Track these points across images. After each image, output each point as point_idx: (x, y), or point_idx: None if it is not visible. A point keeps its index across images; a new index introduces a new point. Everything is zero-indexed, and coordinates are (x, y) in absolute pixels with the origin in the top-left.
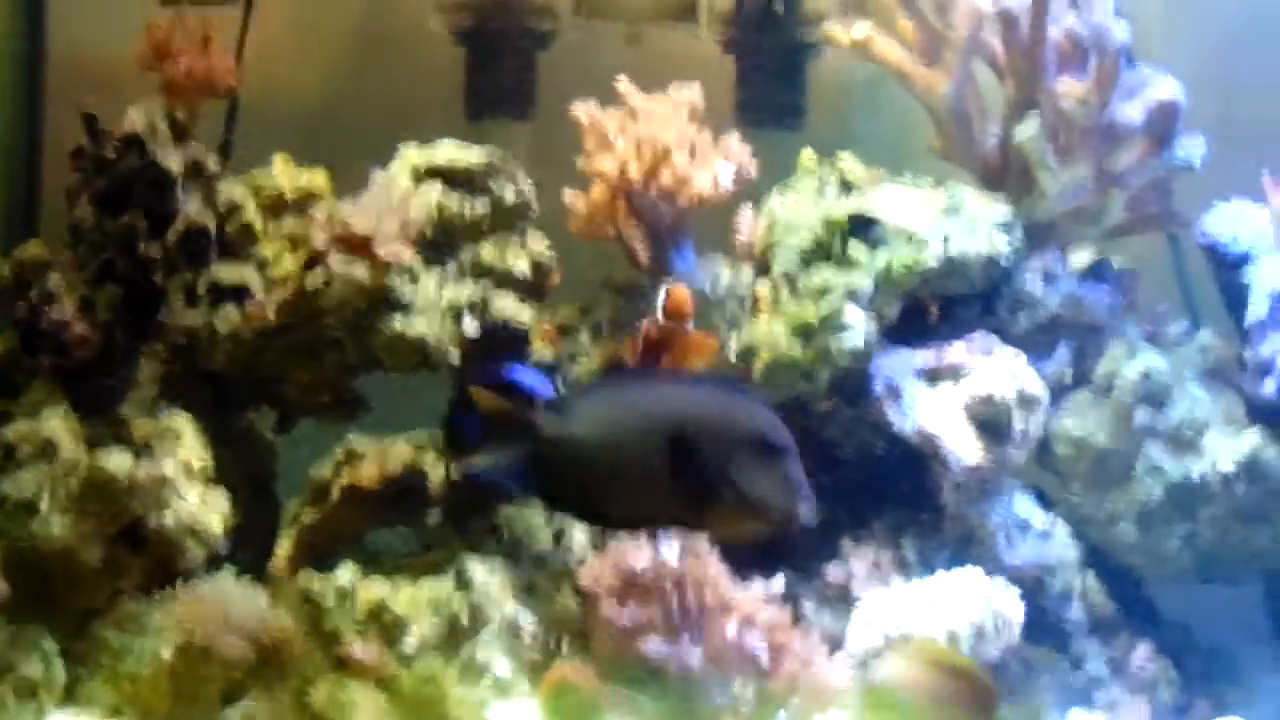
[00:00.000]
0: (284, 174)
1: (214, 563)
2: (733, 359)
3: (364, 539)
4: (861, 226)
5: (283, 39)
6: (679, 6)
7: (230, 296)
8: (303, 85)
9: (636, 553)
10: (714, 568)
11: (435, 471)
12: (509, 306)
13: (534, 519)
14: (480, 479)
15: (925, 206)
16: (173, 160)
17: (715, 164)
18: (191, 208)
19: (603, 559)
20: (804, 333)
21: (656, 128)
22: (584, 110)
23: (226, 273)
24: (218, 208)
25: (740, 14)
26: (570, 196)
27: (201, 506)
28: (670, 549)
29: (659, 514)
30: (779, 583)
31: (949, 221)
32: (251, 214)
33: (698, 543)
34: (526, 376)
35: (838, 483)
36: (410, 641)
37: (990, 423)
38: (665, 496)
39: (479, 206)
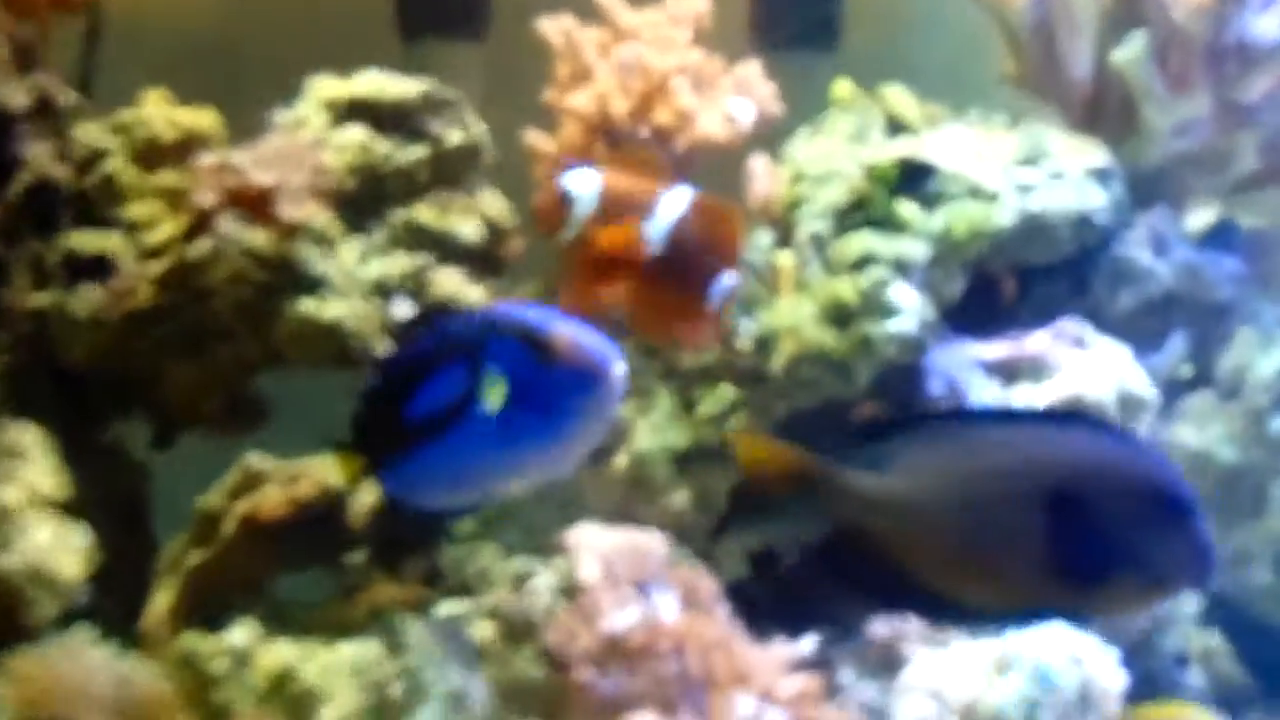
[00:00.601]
0: (160, 113)
1: (69, 618)
2: (744, 350)
3: (266, 586)
4: (914, 177)
5: None
6: None
7: (90, 271)
8: (185, 4)
9: (621, 603)
10: (723, 624)
11: (359, 497)
12: (453, 283)
13: (486, 557)
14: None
15: (996, 151)
16: (13, 94)
17: (727, 98)
18: (38, 156)
19: (577, 612)
20: (839, 316)
21: (649, 50)
22: (553, 27)
23: (85, 241)
24: (73, 156)
25: None
26: (534, 139)
27: (53, 545)
28: (665, 598)
29: (1033, 599)
30: (808, 643)
31: (1027, 170)
32: (118, 164)
33: (700, 590)
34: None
35: None
36: None
37: None
38: (1041, 575)
39: (414, 153)
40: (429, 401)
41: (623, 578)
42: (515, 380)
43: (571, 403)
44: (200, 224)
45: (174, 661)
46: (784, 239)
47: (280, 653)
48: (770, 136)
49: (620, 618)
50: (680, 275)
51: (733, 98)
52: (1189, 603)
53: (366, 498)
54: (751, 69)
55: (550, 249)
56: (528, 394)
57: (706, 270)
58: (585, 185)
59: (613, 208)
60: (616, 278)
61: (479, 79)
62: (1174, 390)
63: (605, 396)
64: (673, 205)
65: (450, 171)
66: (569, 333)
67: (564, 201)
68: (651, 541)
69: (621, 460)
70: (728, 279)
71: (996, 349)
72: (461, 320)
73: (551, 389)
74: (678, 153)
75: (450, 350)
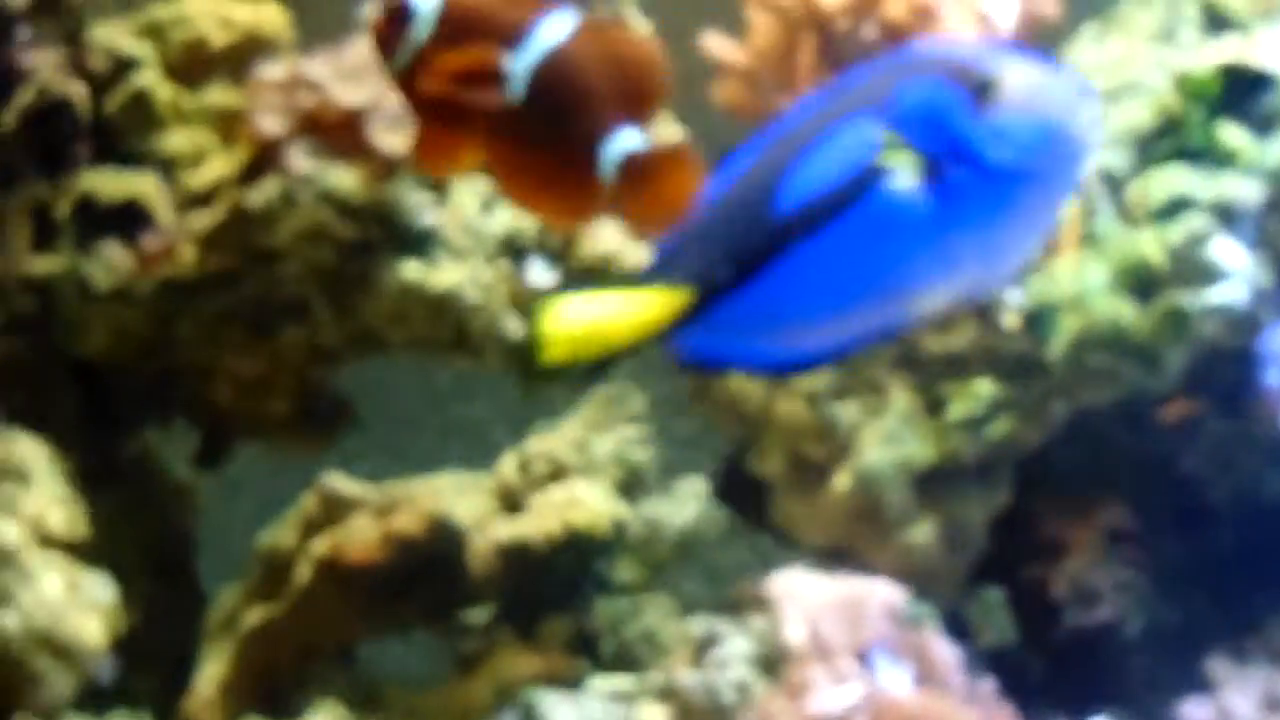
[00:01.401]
0: (207, 8)
1: (91, 699)
2: (1011, 330)
3: (354, 654)
4: (1244, 90)
5: None
6: None
7: (114, 226)
8: None
9: (837, 679)
10: (980, 707)
11: (485, 532)
12: (610, 238)
13: (655, 614)
14: None
15: None
16: None
17: None
18: (43, 68)
19: (782, 694)
20: (1140, 282)
21: None
22: None
23: (107, 183)
24: (91, 68)
25: None
26: (716, 45)
27: (65, 600)
28: (895, 671)
29: None
30: None
31: None
32: (151, 79)
33: (942, 660)
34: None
35: (1200, 552)
36: None
37: None
38: None
39: None
40: (802, 189)
41: (839, 643)
42: (938, 141)
43: (1022, 165)
44: (263, 159)
45: None
46: None
47: None
48: (1046, 35)
49: (835, 698)
50: (553, 127)
51: None
52: None
53: (495, 532)
54: None
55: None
56: (956, 159)
57: (593, 122)
58: None
59: (461, 29)
60: (469, 127)
61: None
62: None
63: (1070, 154)
64: (551, 32)
65: None
66: (1017, 64)
67: (399, 17)
68: (880, 593)
69: (843, 480)
70: (628, 138)
71: None
72: (857, 71)
73: (991, 145)
74: None
75: (838, 110)
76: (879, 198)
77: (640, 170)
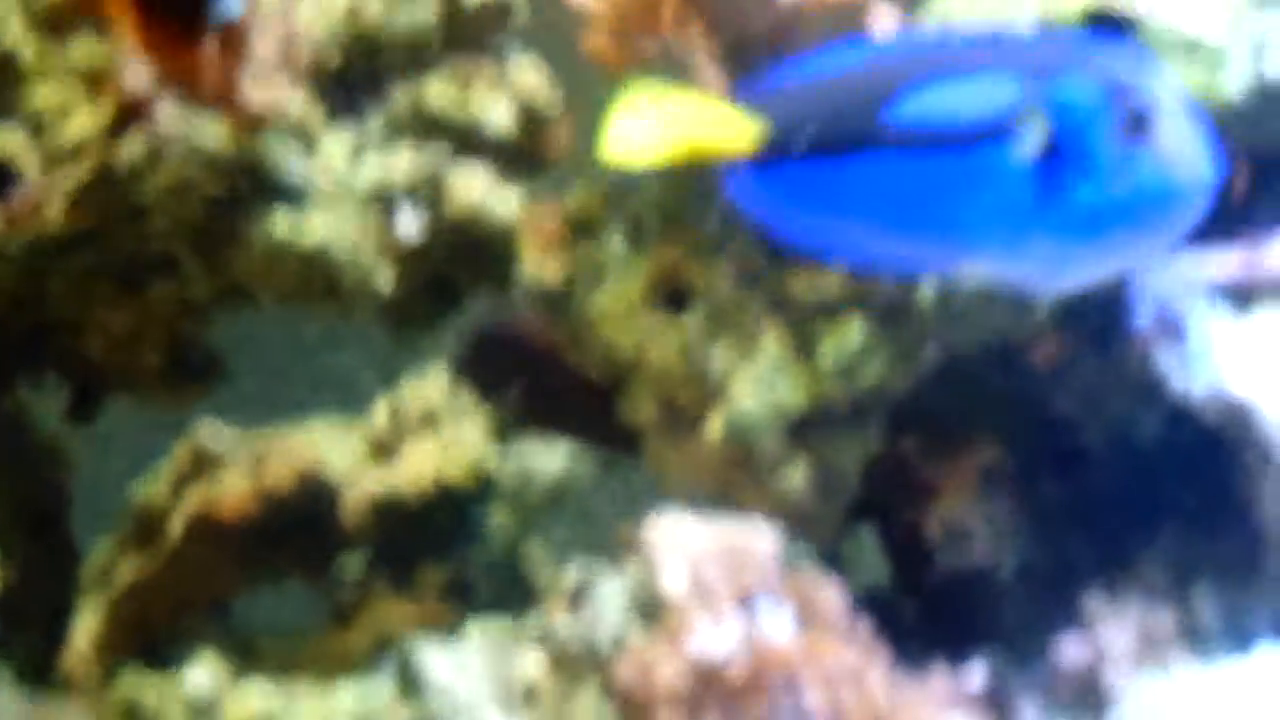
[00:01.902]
0: None
1: None
2: None
3: (230, 607)
4: (1107, 31)
5: None
6: None
7: None
8: None
9: (716, 622)
10: (857, 647)
11: (358, 484)
12: (477, 187)
13: (531, 560)
14: None
15: None
16: None
17: None
18: None
19: (658, 636)
20: None
21: None
22: None
23: None
24: None
25: None
26: None
27: None
28: (776, 614)
29: None
30: (977, 673)
31: (1267, 19)
32: (15, 32)
33: (824, 603)
34: None
35: (1074, 492)
36: None
37: None
38: None
39: (421, 10)
40: (919, 107)
41: (718, 587)
42: (1073, 142)
43: (1131, 209)
44: (130, 114)
45: (111, 713)
46: None
47: (256, 700)
48: None
49: (715, 641)
50: None
51: None
52: None
53: (365, 481)
54: None
55: None
56: (1079, 167)
57: None
58: None
59: None
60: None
61: None
62: None
63: (1175, 221)
64: None
65: (470, 33)
66: (1177, 110)
67: None
68: (757, 537)
69: (715, 425)
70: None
71: (1224, 263)
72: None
73: (1116, 176)
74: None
75: (990, 59)
76: (994, 153)
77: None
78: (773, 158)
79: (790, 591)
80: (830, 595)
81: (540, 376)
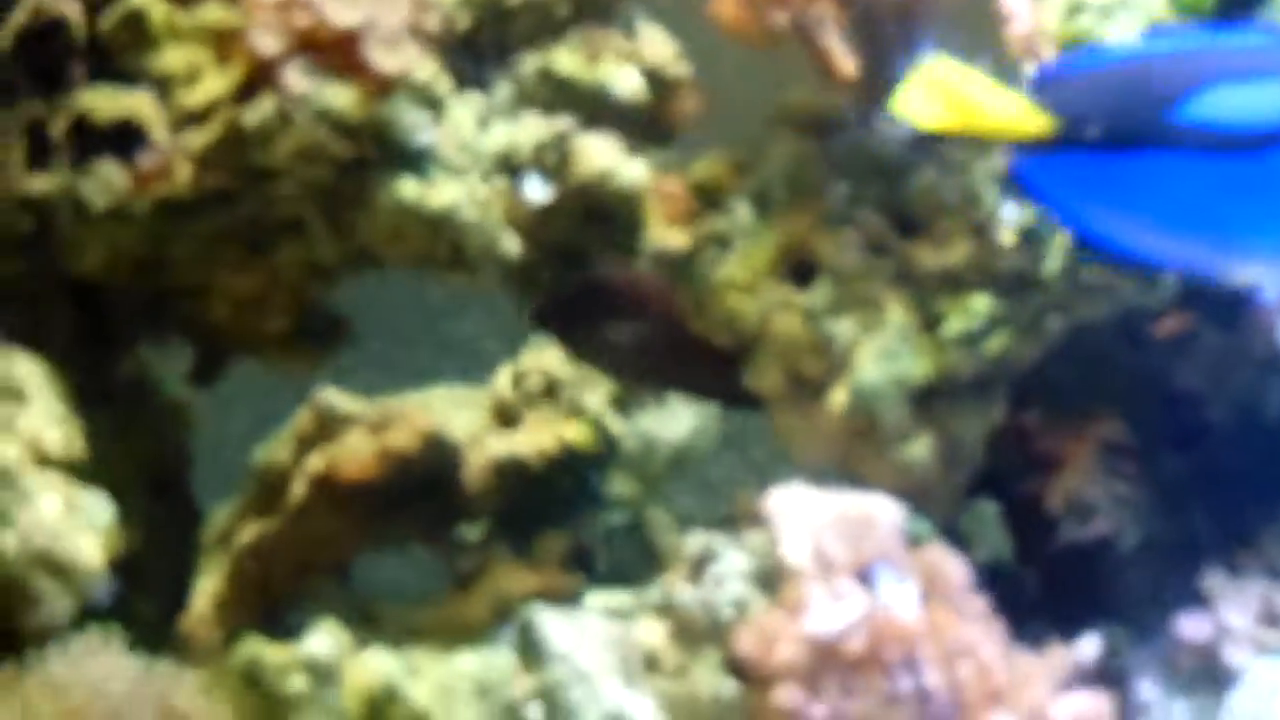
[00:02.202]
0: None
1: (88, 617)
2: (1007, 245)
3: (351, 572)
4: (1239, 6)
5: None
6: None
7: (109, 145)
8: None
9: (837, 596)
10: (976, 623)
11: (480, 448)
12: (606, 155)
13: (652, 530)
14: None
15: None
16: None
17: None
18: None
19: (778, 610)
20: None
21: None
22: None
23: (102, 102)
24: None
25: None
26: None
27: (63, 519)
28: (899, 588)
29: None
30: (1092, 646)
31: None
32: None
33: (946, 577)
34: None
35: (1196, 468)
36: None
37: None
38: None
39: None
40: (1214, 107)
41: (840, 561)
42: None
43: None
44: (259, 78)
45: (231, 677)
46: None
47: (377, 666)
48: None
49: (836, 616)
50: None
51: None
52: None
53: (490, 448)
54: None
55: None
56: None
57: None
58: None
59: None
60: None
61: None
62: None
63: None
64: None
65: (600, 2)
66: None
67: None
68: (880, 509)
69: (839, 396)
70: None
71: None
72: None
73: None
74: None
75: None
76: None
77: None
78: (1059, 147)
79: (912, 565)
80: (952, 568)
81: (658, 334)
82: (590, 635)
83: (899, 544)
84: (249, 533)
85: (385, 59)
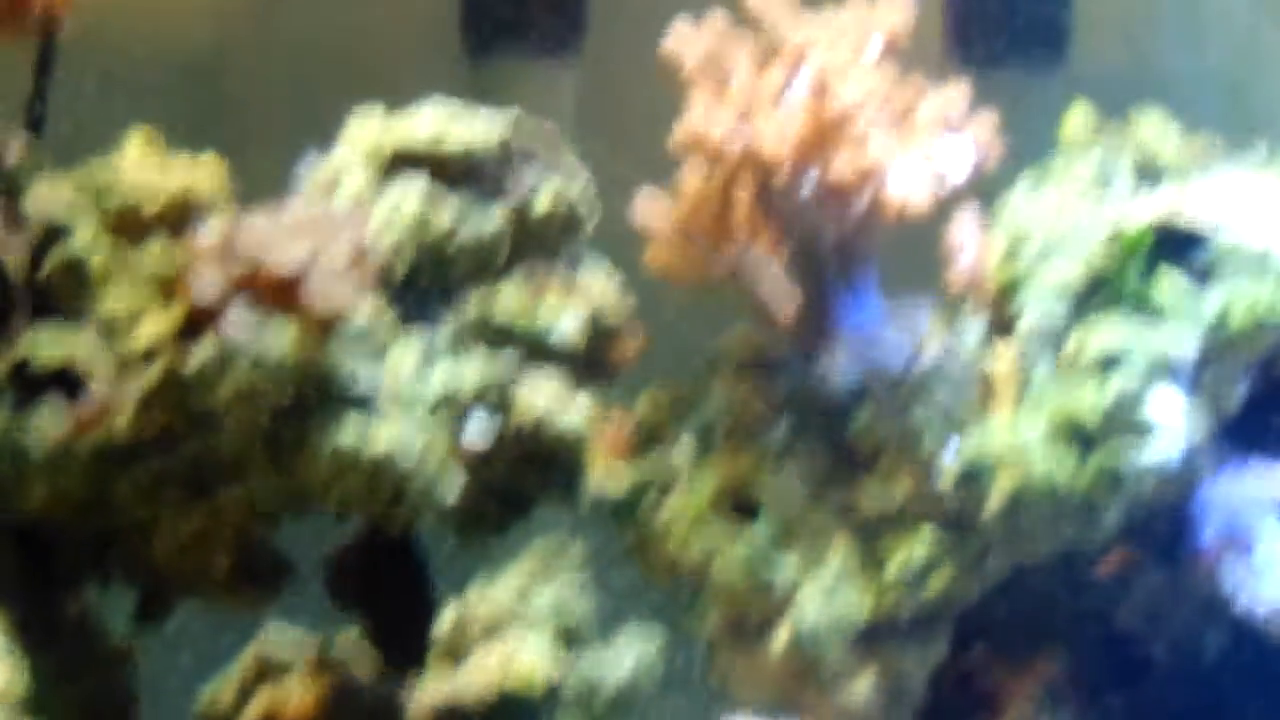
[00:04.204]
0: (145, 166)
1: None
2: (947, 484)
3: None
4: (1176, 245)
5: None
6: None
7: (51, 388)
8: (178, 11)
9: None
10: None
11: (421, 688)
12: (547, 396)
13: None
14: None
15: None
16: None
17: (937, 141)
18: None
19: None
20: (1077, 437)
21: (827, 71)
22: (683, 38)
23: (43, 345)
24: (26, 228)
25: None
26: (646, 200)
27: None
28: None
29: None
30: None
31: None
32: (87, 239)
33: None
34: None
35: (1138, 705)
36: None
37: None
38: None
39: (490, 220)
40: None
41: None
42: None
43: None
44: (200, 321)
45: None
46: (999, 330)
47: None
48: (978, 185)
49: None
50: None
51: (949, 138)
52: None
53: (431, 689)
54: (956, 94)
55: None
56: None
57: None
58: None
59: None
60: None
61: (572, 112)
62: None
63: None
64: None
65: (541, 242)
66: None
67: None
68: None
69: (781, 636)
70: None
71: None
72: None
73: None
74: (857, 214)
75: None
76: None
77: None
78: None
79: None
80: None
81: None
82: None
83: None
84: None
85: (325, 300)
